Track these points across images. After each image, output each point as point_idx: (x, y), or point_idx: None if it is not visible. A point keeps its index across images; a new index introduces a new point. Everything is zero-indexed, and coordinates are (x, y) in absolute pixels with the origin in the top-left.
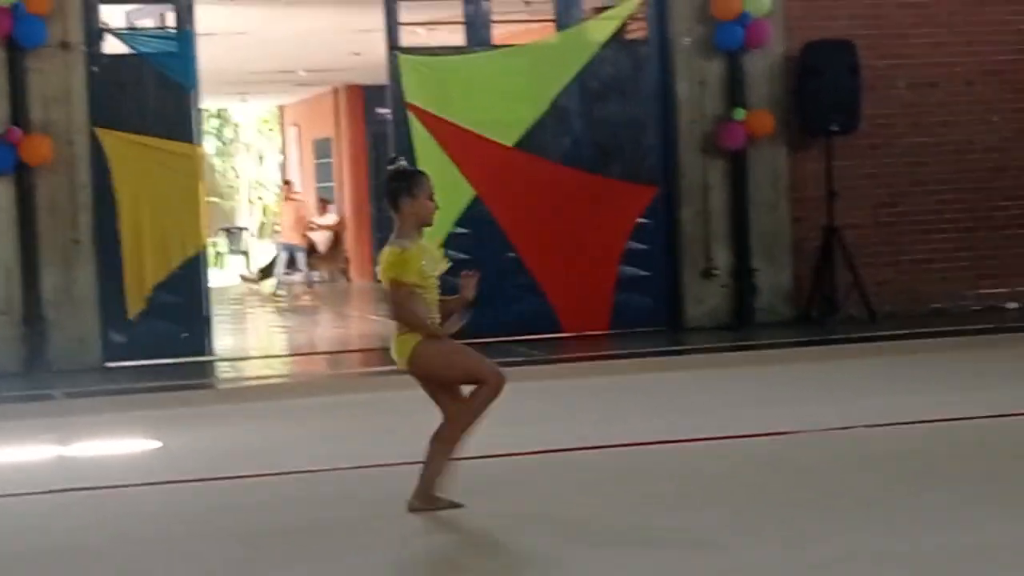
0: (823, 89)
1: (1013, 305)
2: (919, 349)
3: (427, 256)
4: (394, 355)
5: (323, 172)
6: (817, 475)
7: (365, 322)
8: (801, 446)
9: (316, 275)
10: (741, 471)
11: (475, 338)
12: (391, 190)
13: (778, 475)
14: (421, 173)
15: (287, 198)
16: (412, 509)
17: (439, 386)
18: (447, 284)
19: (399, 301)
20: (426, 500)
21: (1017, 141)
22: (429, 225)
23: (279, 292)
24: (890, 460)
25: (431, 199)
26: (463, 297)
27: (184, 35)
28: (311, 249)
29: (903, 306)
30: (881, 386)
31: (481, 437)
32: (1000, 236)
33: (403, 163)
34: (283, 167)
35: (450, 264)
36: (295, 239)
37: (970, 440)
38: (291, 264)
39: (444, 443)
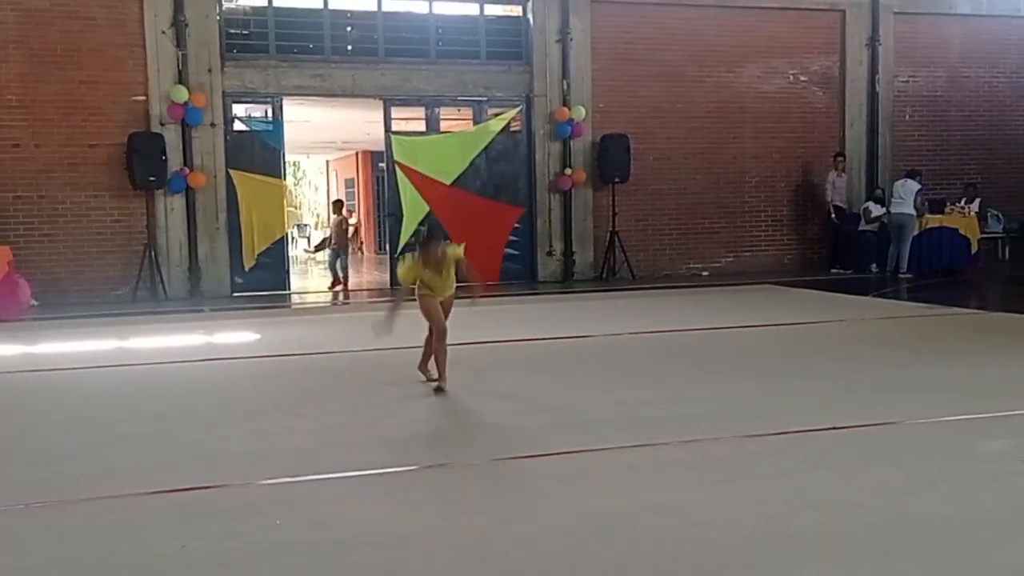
0: (611, 159)
1: (706, 273)
2: (658, 295)
3: (427, 274)
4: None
5: (350, 196)
6: (601, 358)
7: (370, 275)
8: (596, 342)
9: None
10: (569, 354)
11: None
12: (418, 242)
13: (583, 357)
14: (429, 239)
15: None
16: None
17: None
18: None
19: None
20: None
21: (709, 189)
22: (427, 263)
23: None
24: (646, 352)
25: (435, 250)
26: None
27: (277, 121)
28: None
29: (649, 272)
30: (638, 312)
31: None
32: (699, 237)
33: (422, 230)
34: (328, 194)
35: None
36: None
37: (678, 342)
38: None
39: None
